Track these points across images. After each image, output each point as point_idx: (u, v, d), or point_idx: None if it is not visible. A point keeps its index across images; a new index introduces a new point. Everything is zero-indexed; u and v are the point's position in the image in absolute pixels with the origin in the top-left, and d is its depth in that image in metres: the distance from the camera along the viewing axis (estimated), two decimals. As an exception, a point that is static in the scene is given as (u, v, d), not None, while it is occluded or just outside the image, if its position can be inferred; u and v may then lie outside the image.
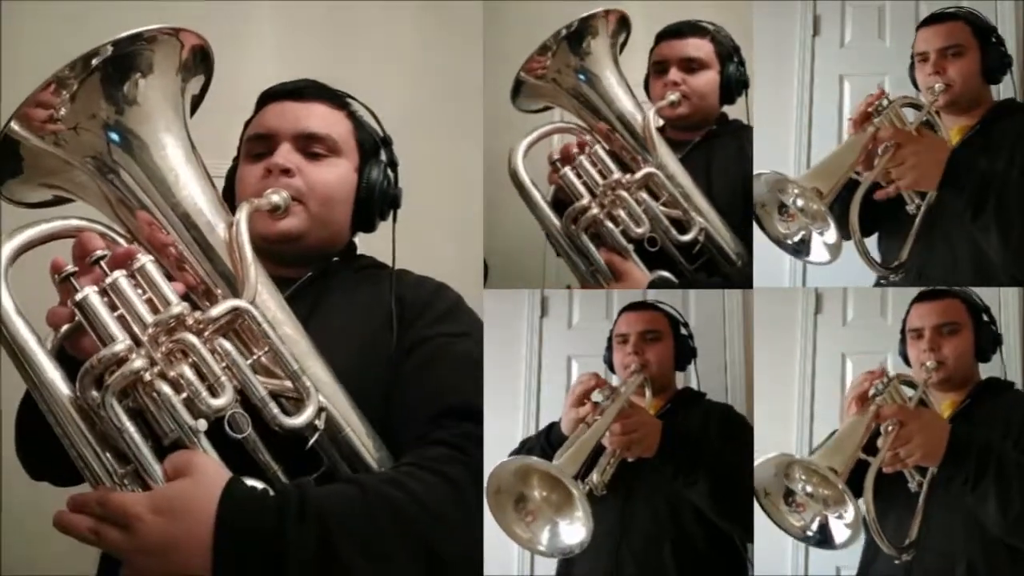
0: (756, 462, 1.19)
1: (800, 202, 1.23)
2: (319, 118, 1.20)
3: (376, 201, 1.22)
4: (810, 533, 1.19)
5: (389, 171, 1.24)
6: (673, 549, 1.32)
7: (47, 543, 1.82)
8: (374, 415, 1.04)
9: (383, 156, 1.24)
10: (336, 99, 1.24)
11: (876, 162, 1.22)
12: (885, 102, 1.26)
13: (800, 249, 1.26)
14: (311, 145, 1.18)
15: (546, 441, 1.34)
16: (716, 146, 1.44)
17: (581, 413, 1.29)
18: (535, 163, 1.37)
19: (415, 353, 1.09)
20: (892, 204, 1.26)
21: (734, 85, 1.43)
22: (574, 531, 1.18)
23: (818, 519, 1.18)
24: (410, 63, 1.90)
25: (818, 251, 1.25)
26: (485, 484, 1.14)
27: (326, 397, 0.98)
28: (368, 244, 1.28)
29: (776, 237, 1.27)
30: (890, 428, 1.17)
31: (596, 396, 1.31)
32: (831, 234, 1.22)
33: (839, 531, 1.17)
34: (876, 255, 1.33)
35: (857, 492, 1.17)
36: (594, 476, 1.25)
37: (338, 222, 1.21)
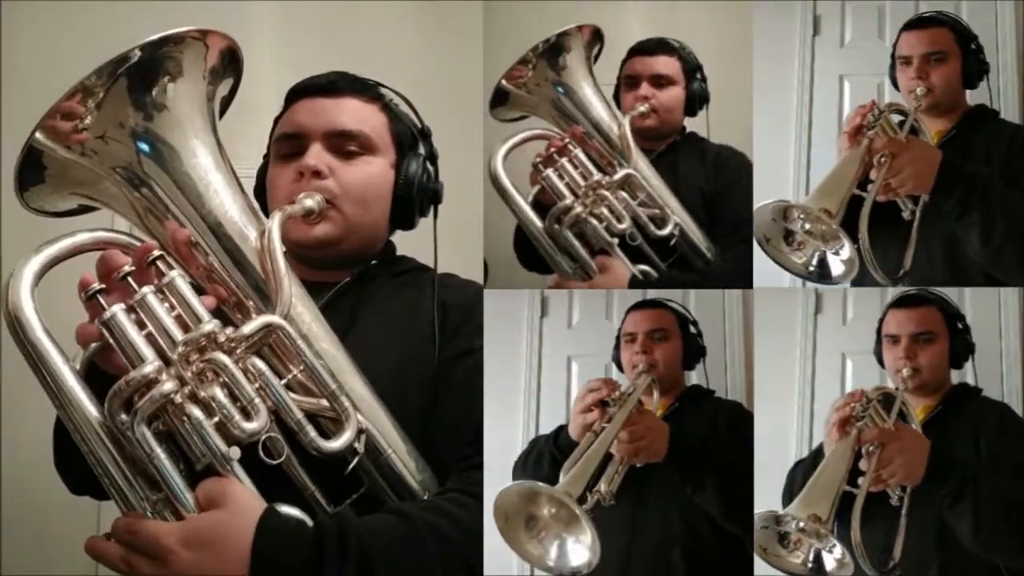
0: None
1: (808, 226, 1.23)
2: (351, 114, 1.15)
3: (415, 198, 1.17)
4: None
5: (428, 164, 1.19)
6: (683, 555, 1.31)
7: (47, 543, 1.84)
8: (415, 430, 1.00)
9: (422, 149, 1.19)
10: (369, 91, 1.18)
11: (873, 173, 1.24)
12: (876, 112, 1.27)
13: (822, 272, 1.26)
14: (344, 143, 1.13)
15: (554, 446, 1.33)
16: (680, 156, 1.54)
17: (589, 419, 1.28)
18: (520, 167, 1.42)
19: (459, 365, 1.06)
20: (882, 212, 1.27)
21: (697, 99, 1.54)
22: (580, 551, 1.17)
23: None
24: (410, 63, 1.90)
25: (837, 271, 1.26)
26: (491, 509, 1.13)
27: (366, 416, 0.95)
28: (400, 241, 1.25)
29: (795, 269, 1.27)
30: (872, 450, 1.18)
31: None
32: (846, 250, 1.22)
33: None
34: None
35: (845, 522, 1.18)
36: (602, 486, 1.24)
37: (375, 223, 1.16)
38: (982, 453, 1.23)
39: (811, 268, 1.26)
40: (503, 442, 1.37)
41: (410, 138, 1.19)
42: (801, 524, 1.15)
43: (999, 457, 1.22)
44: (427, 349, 1.06)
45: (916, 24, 1.34)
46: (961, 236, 1.25)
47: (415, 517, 0.91)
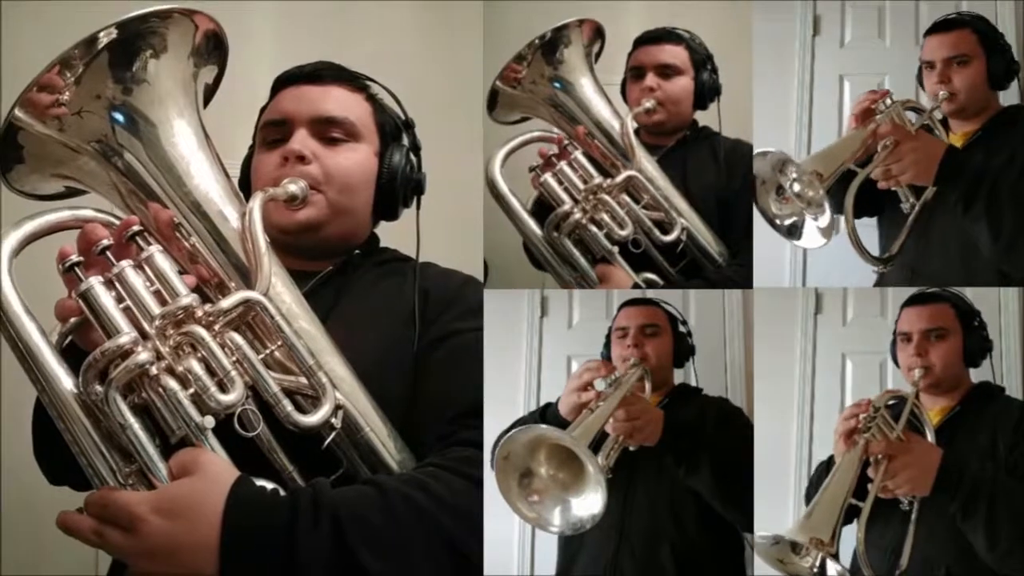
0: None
1: (797, 187, 1.22)
2: (336, 101, 1.15)
3: (399, 187, 1.17)
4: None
5: (412, 155, 1.19)
6: (673, 547, 1.31)
7: (47, 543, 1.84)
8: (396, 415, 1.00)
9: (405, 140, 1.20)
10: (354, 81, 1.19)
11: (875, 158, 1.23)
12: (888, 101, 1.26)
13: (792, 232, 1.26)
14: (328, 130, 1.13)
15: (542, 421, 1.32)
16: (690, 152, 1.47)
17: (583, 398, 1.27)
18: (520, 172, 1.40)
19: (440, 348, 1.05)
20: (894, 193, 1.27)
21: (707, 91, 1.47)
22: (588, 504, 1.16)
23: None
24: (409, 62, 1.89)
25: (811, 235, 1.24)
26: (495, 453, 1.14)
27: (344, 395, 0.95)
28: (387, 235, 1.24)
29: (769, 216, 1.26)
30: (880, 459, 1.16)
31: (599, 384, 1.30)
32: (825, 218, 1.21)
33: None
34: (876, 238, 1.34)
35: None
36: (600, 459, 1.23)
37: (359, 210, 1.16)
38: (999, 454, 1.20)
39: (778, 222, 1.26)
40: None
41: (394, 128, 1.20)
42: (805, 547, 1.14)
43: (1020, 459, 1.19)
44: (408, 336, 1.06)
45: (938, 28, 1.31)
46: (971, 232, 1.23)
47: (389, 488, 0.90)
